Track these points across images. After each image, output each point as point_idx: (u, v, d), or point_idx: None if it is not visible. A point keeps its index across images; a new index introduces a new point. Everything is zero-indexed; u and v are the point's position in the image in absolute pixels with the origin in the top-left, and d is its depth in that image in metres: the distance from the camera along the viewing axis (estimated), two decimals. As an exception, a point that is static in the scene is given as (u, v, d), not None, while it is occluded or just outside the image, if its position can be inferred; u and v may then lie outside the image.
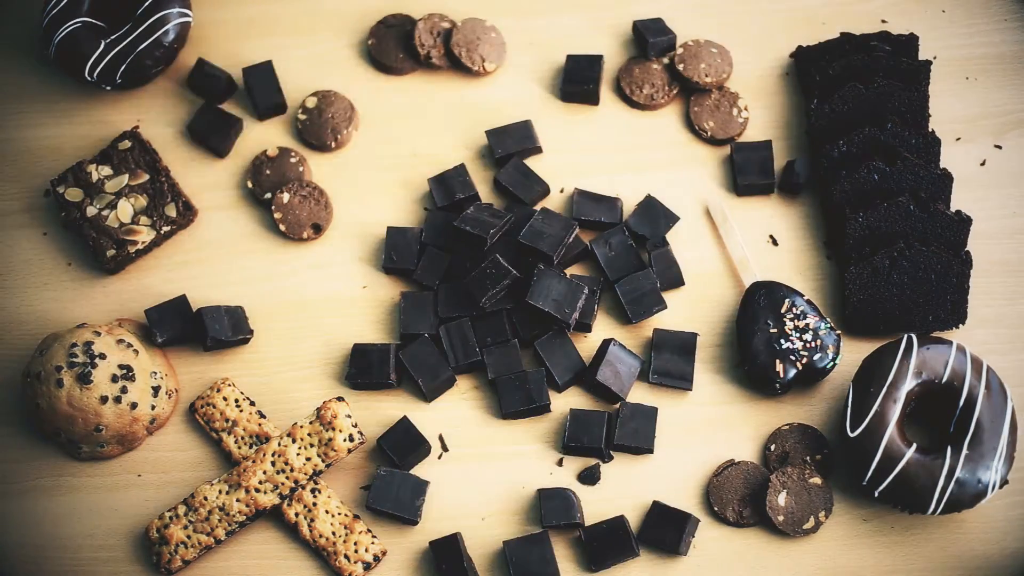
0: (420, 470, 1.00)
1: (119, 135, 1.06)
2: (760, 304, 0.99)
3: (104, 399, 0.98)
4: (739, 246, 1.04)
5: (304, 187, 1.05)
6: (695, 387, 1.01)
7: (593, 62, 1.07)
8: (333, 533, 0.97)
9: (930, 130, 1.03)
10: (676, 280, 1.02)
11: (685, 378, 1.00)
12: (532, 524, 0.98)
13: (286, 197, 1.05)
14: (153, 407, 1.00)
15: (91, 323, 1.02)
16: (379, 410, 1.01)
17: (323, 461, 0.97)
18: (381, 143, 1.08)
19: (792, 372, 0.98)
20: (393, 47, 1.08)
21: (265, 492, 0.96)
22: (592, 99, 1.08)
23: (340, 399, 0.98)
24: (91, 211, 1.04)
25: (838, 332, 0.99)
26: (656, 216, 1.03)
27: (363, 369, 1.00)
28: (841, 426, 0.96)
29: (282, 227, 1.05)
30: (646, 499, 0.98)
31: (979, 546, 0.95)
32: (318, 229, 1.05)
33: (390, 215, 1.06)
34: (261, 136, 1.09)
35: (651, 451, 0.98)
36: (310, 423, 0.97)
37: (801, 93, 1.08)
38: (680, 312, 1.03)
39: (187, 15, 1.07)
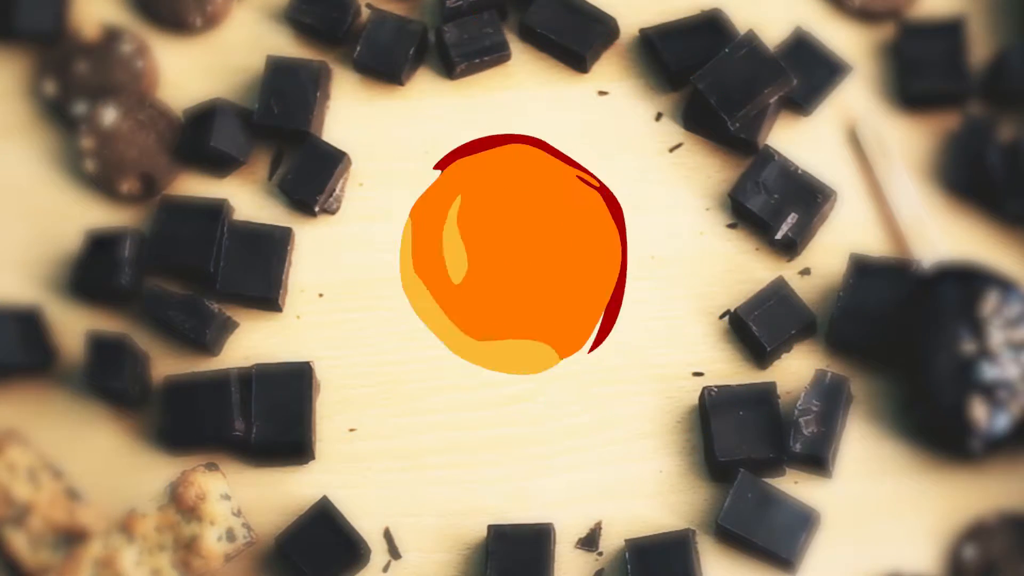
0: (352, 593, 0.95)
1: None
2: (948, 301, 0.96)
3: None
4: (910, 199, 1.01)
5: (144, 107, 1.03)
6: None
7: None
8: None
9: None
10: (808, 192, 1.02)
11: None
12: None
13: (110, 116, 1.03)
14: None
15: None
16: (281, 486, 0.98)
17: (182, 575, 0.93)
18: (280, 17, 1.06)
19: (1003, 420, 0.95)
20: None
21: (81, 631, 0.93)
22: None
23: (212, 466, 0.95)
24: None
25: (1085, 353, 0.95)
26: (813, 62, 1.03)
27: (183, 418, 0.99)
28: (1092, 519, 0.96)
29: (89, 166, 1.03)
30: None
31: None
32: (150, 185, 1.03)
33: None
34: (75, 5, 1.07)
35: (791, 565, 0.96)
36: (159, 509, 0.94)
37: (1016, -66, 1.07)
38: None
39: None
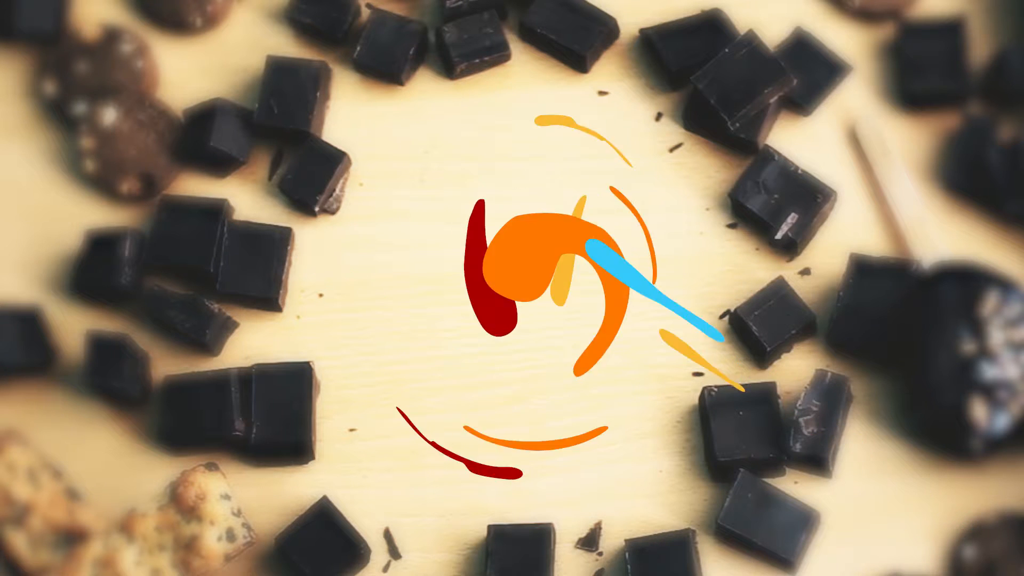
0: (352, 593, 0.94)
1: None
2: (948, 301, 0.97)
3: None
4: (910, 199, 1.02)
5: (144, 107, 1.05)
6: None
7: None
8: None
9: None
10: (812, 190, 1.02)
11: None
12: None
13: (110, 116, 1.04)
14: None
15: None
16: (281, 486, 1.00)
17: (182, 575, 0.93)
18: (280, 17, 1.07)
19: (1003, 420, 0.96)
20: None
21: (80, 631, 0.93)
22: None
23: (212, 466, 0.96)
24: None
25: (1084, 352, 0.96)
26: (813, 62, 1.04)
27: (183, 418, 0.99)
28: (1092, 519, 0.96)
29: (89, 166, 1.03)
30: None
31: None
32: (150, 186, 1.04)
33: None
34: (75, 5, 1.08)
35: (791, 565, 0.97)
36: (159, 509, 0.95)
37: (1018, -67, 1.08)
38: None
39: None
